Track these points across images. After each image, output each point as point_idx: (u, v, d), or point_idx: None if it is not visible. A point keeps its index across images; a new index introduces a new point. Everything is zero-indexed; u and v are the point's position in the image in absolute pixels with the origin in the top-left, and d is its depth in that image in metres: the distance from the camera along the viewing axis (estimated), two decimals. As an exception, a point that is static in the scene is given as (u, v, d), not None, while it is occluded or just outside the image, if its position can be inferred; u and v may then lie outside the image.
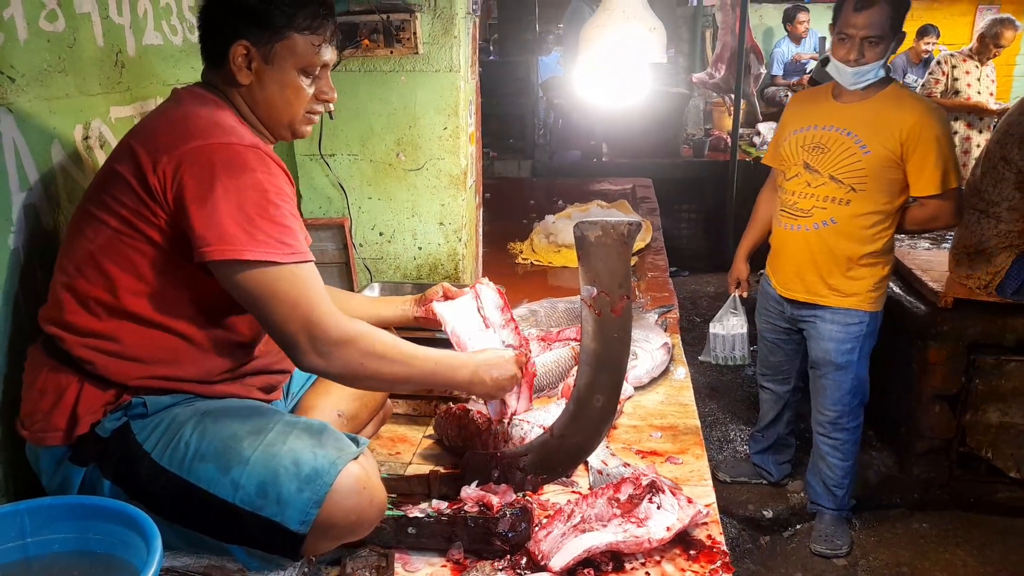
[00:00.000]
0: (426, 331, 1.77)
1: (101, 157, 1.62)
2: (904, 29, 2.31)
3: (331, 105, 1.46)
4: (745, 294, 2.82)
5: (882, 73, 2.28)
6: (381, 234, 2.46)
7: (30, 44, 1.43)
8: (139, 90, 1.76)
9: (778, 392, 2.86)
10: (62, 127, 1.52)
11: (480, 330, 1.65)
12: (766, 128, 5.88)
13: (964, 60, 4.96)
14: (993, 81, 5.06)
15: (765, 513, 2.94)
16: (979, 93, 4.94)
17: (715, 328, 2.85)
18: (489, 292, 1.70)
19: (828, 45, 6.14)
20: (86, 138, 1.59)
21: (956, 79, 4.94)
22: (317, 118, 1.46)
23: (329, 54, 1.40)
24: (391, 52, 2.25)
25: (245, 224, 1.20)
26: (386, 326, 1.61)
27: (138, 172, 1.24)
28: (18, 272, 1.40)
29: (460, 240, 2.45)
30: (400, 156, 2.37)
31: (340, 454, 1.23)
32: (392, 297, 1.82)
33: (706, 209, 5.68)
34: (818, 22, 7.19)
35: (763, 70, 6.48)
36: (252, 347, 1.45)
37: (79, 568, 1.08)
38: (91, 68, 1.60)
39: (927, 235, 3.64)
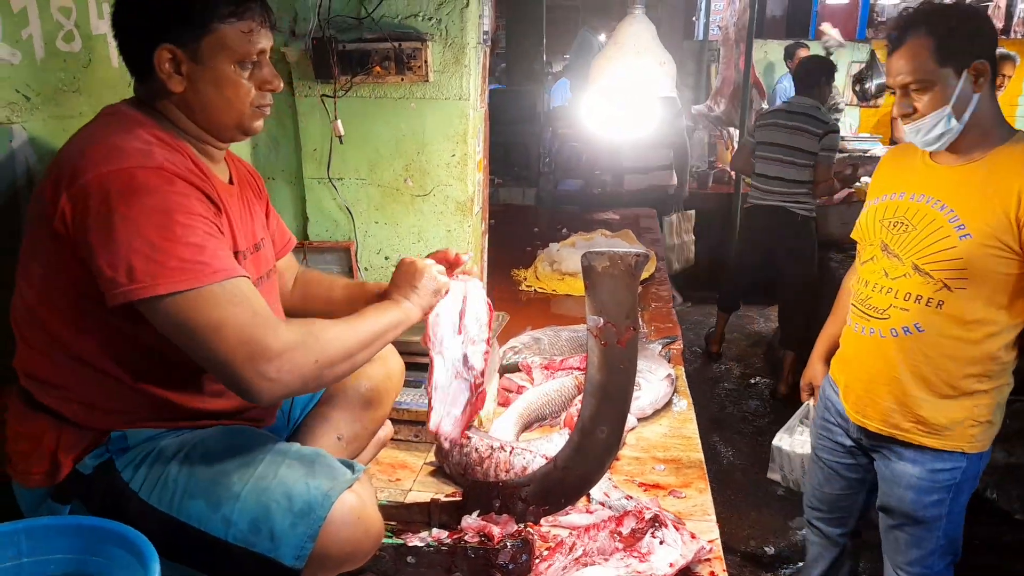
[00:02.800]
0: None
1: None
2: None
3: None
4: None
5: (956, 124, 1.61)
6: (387, 258, 2.46)
7: (46, 64, 1.45)
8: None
9: (831, 536, 2.08)
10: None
11: (452, 333, 1.53)
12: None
13: None
14: None
15: (767, 549, 2.91)
16: None
17: (781, 442, 2.24)
18: (477, 300, 1.56)
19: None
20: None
21: None
22: (268, 109, 1.33)
23: (264, 39, 1.27)
24: (402, 79, 2.27)
25: (152, 253, 1.09)
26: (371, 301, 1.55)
27: (43, 214, 1.15)
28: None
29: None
30: (408, 182, 2.38)
31: (334, 484, 1.20)
32: (369, 283, 1.68)
33: (710, 240, 5.69)
34: (821, 59, 7.27)
35: (764, 105, 6.54)
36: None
37: (75, 590, 1.06)
38: (104, 88, 1.62)
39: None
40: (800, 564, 2.75)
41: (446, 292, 1.46)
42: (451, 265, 1.54)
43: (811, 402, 2.15)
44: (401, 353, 1.83)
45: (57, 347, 1.22)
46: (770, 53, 7.63)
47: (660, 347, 2.48)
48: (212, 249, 1.14)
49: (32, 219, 1.21)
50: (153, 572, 0.97)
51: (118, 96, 1.64)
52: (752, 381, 4.38)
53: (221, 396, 1.31)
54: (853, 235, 1.93)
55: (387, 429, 1.80)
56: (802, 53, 7.15)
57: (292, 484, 1.19)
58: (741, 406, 4.02)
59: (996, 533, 2.89)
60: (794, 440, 2.20)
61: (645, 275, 3.29)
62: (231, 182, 1.39)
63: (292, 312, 1.63)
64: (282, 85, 1.33)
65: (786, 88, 7.29)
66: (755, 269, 4.30)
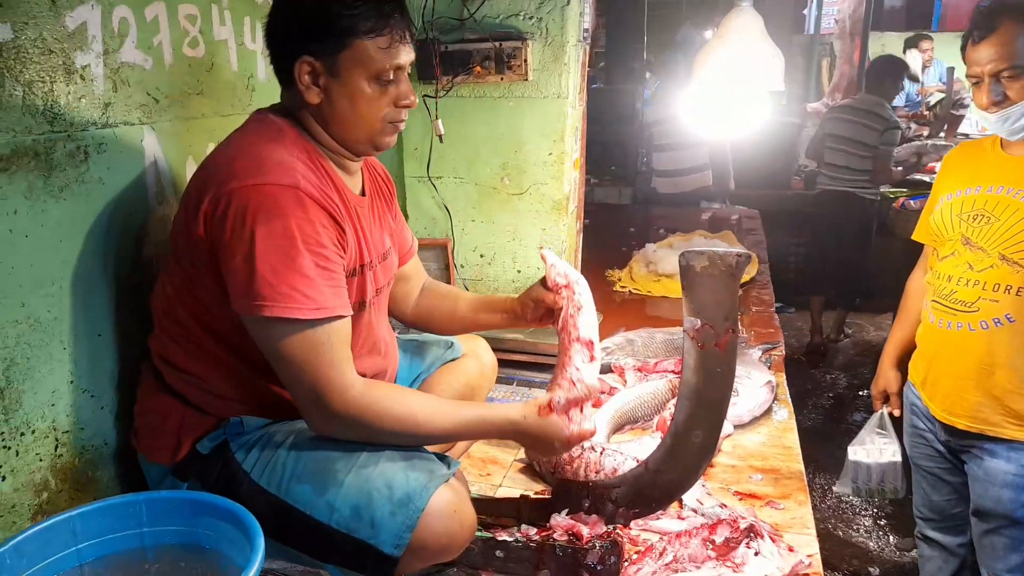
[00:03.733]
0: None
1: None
2: None
3: (417, 118, 1.37)
4: (897, 412, 2.13)
5: None
6: (482, 256, 2.50)
7: (173, 68, 1.55)
8: (266, 111, 1.87)
9: (949, 546, 2.05)
10: (196, 145, 1.64)
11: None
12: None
13: None
14: None
15: (872, 570, 2.75)
16: None
17: (856, 454, 2.17)
18: (589, 315, 1.49)
19: (955, 75, 5.80)
20: (217, 155, 1.70)
21: None
22: (402, 126, 1.35)
23: (403, 55, 1.28)
24: (501, 78, 2.29)
25: (269, 276, 1.15)
26: (490, 327, 1.62)
27: (189, 214, 1.23)
28: (149, 284, 1.48)
29: (560, 265, 2.45)
30: (505, 180, 2.41)
31: (432, 477, 1.23)
32: (495, 298, 1.67)
33: (818, 244, 5.45)
34: (943, 51, 6.80)
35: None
36: None
37: (188, 560, 1.13)
38: (225, 91, 1.72)
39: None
40: (909, 587, 2.59)
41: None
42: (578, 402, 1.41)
43: (884, 410, 2.12)
44: (495, 350, 1.85)
45: (189, 338, 1.32)
46: (888, 46, 7.19)
47: (760, 352, 2.39)
48: (320, 285, 1.19)
49: (179, 217, 1.30)
50: (258, 548, 1.03)
51: (236, 98, 1.76)
52: (861, 393, 4.16)
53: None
54: (916, 237, 1.98)
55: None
56: (924, 46, 6.72)
57: (392, 475, 1.23)
58: (847, 418, 3.82)
59: None
60: (868, 450, 2.13)
61: (746, 278, 3.18)
62: (363, 193, 1.44)
63: (415, 323, 1.71)
64: (417, 102, 1.36)
65: (906, 83, 6.88)
66: (825, 254, 4.64)
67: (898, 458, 2.08)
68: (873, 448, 2.12)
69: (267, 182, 1.18)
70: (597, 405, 2.12)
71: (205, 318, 1.30)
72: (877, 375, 2.13)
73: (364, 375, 1.35)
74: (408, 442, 1.29)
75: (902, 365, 2.05)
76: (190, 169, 1.62)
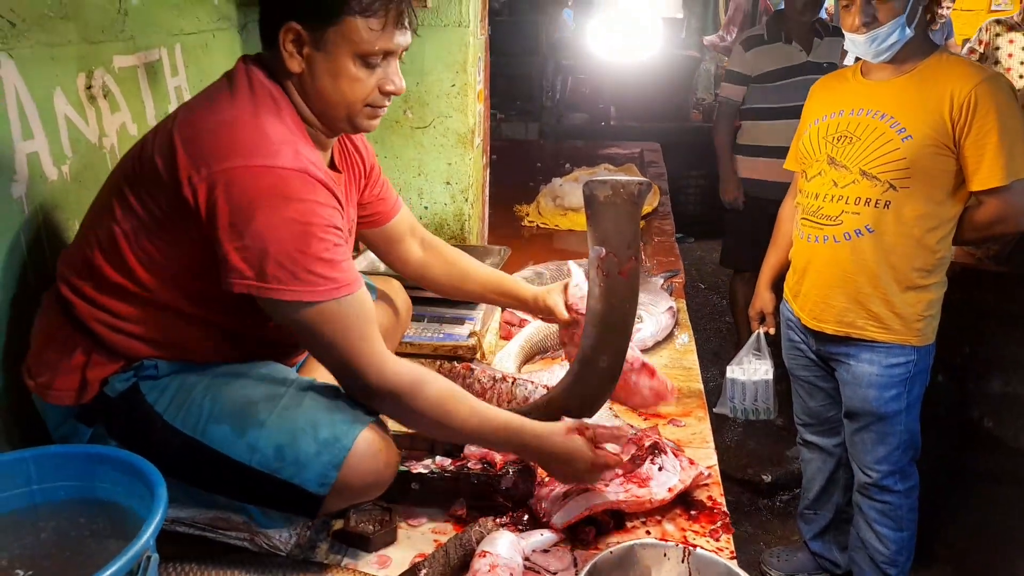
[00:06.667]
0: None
1: (104, 107, 1.60)
2: None
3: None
4: (772, 331, 2.27)
5: (909, 33, 1.80)
6: (387, 193, 2.44)
7: (30, -13, 1.39)
8: (143, 39, 1.73)
9: (826, 447, 2.26)
10: (64, 75, 1.50)
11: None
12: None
13: (1008, 29, 3.92)
14: None
15: (764, 477, 2.97)
16: (1022, 63, 3.92)
17: (734, 373, 2.30)
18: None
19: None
20: (89, 87, 1.56)
21: (997, 48, 3.91)
22: (384, 111, 1.30)
23: (396, 38, 1.22)
24: (399, 5, 2.20)
25: (285, 261, 1.12)
26: (494, 305, 1.62)
27: (173, 175, 1.15)
28: (21, 222, 1.38)
29: (467, 200, 2.43)
30: (407, 113, 2.34)
31: (357, 418, 1.23)
32: (506, 282, 1.69)
33: (714, 175, 5.63)
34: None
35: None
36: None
37: (85, 515, 1.08)
38: (93, 14, 1.57)
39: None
40: (797, 490, 2.81)
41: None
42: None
43: (760, 331, 2.29)
44: (407, 288, 1.83)
45: (134, 284, 1.22)
46: (781, -21, 7.34)
47: (662, 281, 2.47)
48: (339, 264, 1.17)
49: (154, 160, 1.18)
50: (160, 497, 0.99)
51: (109, 23, 1.60)
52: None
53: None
54: (787, 166, 2.16)
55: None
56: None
57: (317, 416, 1.21)
58: (743, 341, 4.04)
59: (992, 461, 2.95)
60: (745, 369, 2.27)
61: (648, 209, 3.26)
62: (334, 167, 1.37)
63: (417, 280, 1.69)
64: (404, 89, 1.29)
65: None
66: None
67: (770, 376, 2.25)
68: (749, 367, 2.27)
69: (276, 165, 1.13)
70: (507, 337, 2.15)
71: (160, 274, 1.22)
72: (754, 297, 2.31)
73: None
74: (435, 431, 1.31)
75: (777, 287, 2.23)
76: (59, 103, 1.48)
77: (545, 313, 1.63)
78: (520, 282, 1.72)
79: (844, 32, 1.88)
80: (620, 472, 1.41)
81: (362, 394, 1.24)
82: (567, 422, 1.34)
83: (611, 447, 1.37)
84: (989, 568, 2.48)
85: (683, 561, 1.21)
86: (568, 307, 1.59)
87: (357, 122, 1.28)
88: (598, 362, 1.46)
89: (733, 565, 1.21)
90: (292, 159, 1.15)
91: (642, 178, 1.38)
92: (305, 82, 1.22)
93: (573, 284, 1.58)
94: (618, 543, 1.25)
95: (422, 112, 2.33)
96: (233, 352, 1.32)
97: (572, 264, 1.64)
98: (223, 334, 1.30)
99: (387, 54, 1.23)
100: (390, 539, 1.37)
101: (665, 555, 1.22)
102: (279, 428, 1.20)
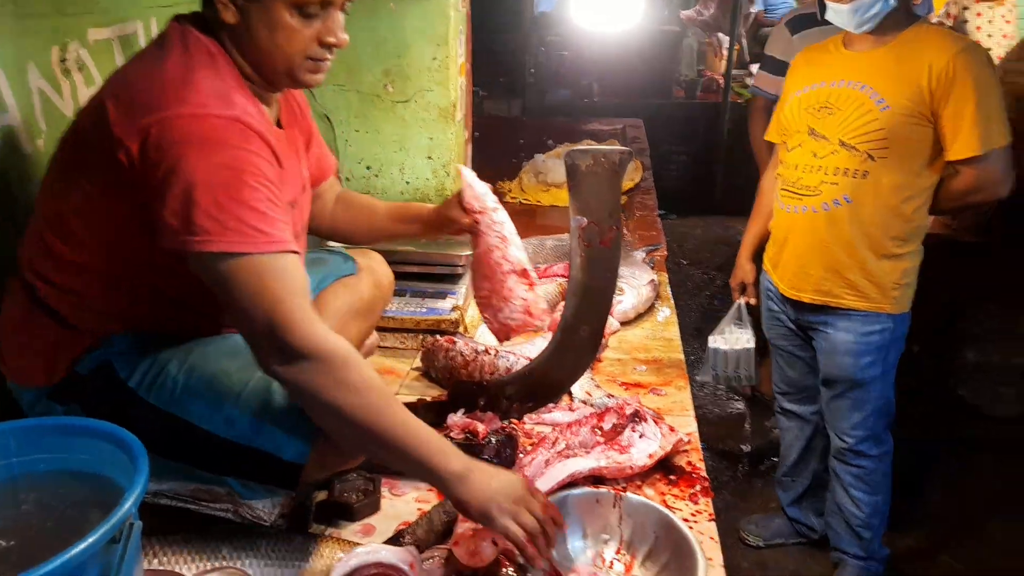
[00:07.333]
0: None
1: (80, 80, 1.58)
2: None
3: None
4: (753, 301, 2.29)
5: (892, 3, 1.80)
6: (368, 168, 2.43)
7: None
8: (118, 12, 1.70)
9: (804, 415, 2.29)
10: (38, 48, 1.47)
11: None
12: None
13: (976, 1, 4.05)
14: (1008, 23, 4.06)
15: (743, 447, 3.02)
16: (989, 36, 4.07)
17: (715, 342, 2.32)
18: (516, 243, 1.48)
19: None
20: (63, 60, 1.53)
21: (965, 21, 4.07)
22: (326, 64, 1.23)
23: None
24: (378, -23, 2.18)
25: (214, 211, 1.05)
26: (407, 237, 1.56)
27: (106, 138, 1.10)
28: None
29: (448, 175, 2.43)
30: (388, 87, 2.32)
31: None
32: (411, 207, 1.61)
33: (696, 152, 5.64)
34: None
35: (754, 9, 6.34)
36: None
37: (66, 486, 1.08)
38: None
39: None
40: (775, 459, 2.86)
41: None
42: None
43: (741, 301, 2.31)
44: (390, 263, 1.83)
45: (77, 252, 1.20)
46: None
47: (643, 254, 2.50)
48: (273, 218, 1.10)
49: (88, 128, 1.16)
50: (142, 467, 0.99)
51: (79, -9, 1.57)
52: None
53: None
54: (769, 137, 2.19)
55: (374, 337, 1.82)
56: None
57: None
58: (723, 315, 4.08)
59: (966, 428, 3.01)
60: (727, 339, 2.30)
61: (630, 183, 3.27)
62: (279, 124, 1.33)
63: (332, 236, 1.64)
64: (347, 41, 1.23)
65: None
66: None
67: (751, 345, 2.27)
68: (731, 336, 2.29)
69: (208, 112, 1.08)
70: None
71: (105, 243, 1.19)
72: (735, 268, 2.33)
73: None
74: (366, 422, 1.11)
75: (758, 258, 2.24)
76: (33, 77, 1.45)
77: (447, 224, 1.52)
78: (421, 204, 1.64)
79: (827, 2, 1.87)
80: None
81: (280, 356, 1.09)
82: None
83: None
84: (961, 532, 2.54)
85: (614, 506, 1.26)
86: (465, 209, 1.48)
87: (298, 76, 1.21)
88: (579, 330, 1.47)
89: (662, 507, 1.26)
90: (224, 107, 1.11)
91: (623, 147, 1.38)
92: (241, 34, 1.17)
93: (466, 185, 1.48)
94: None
95: (403, 86, 2.31)
96: (200, 325, 1.30)
97: (463, 168, 1.54)
98: (183, 306, 1.27)
99: (326, 4, 1.17)
100: (373, 509, 1.39)
101: (597, 501, 1.27)
102: (255, 400, 1.20)
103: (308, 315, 1.10)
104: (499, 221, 1.46)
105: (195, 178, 1.05)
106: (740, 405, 3.29)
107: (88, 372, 1.24)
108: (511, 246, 1.45)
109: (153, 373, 1.23)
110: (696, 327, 3.95)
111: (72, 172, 1.18)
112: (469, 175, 1.49)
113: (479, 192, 1.46)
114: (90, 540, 0.85)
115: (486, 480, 1.13)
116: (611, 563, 1.25)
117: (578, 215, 1.43)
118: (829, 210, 1.91)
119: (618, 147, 1.38)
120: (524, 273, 1.43)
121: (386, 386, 1.17)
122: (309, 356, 1.08)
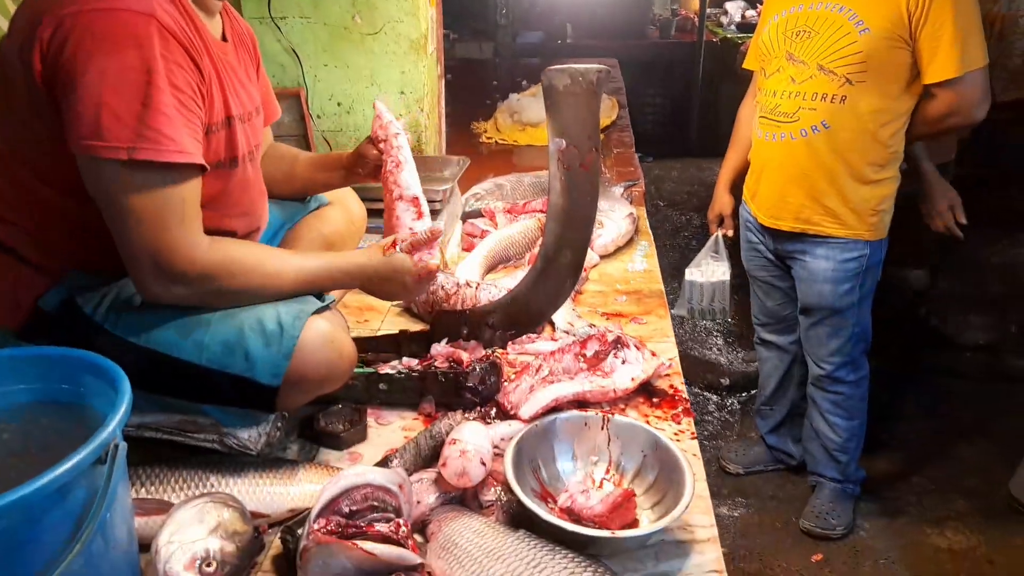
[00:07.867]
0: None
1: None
2: None
3: None
4: (730, 233, 2.27)
5: None
6: (339, 104, 2.37)
7: None
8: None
9: (782, 344, 2.32)
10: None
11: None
12: (734, 7, 5.72)
13: None
14: None
15: (723, 381, 3.07)
16: None
17: (692, 274, 2.28)
18: (410, 170, 1.45)
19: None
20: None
21: None
22: None
23: None
24: (343, -98, 2.09)
25: (120, 111, 1.01)
26: (329, 186, 1.56)
27: (22, 49, 1.05)
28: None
29: (422, 110, 2.38)
30: (356, 19, 2.25)
31: (304, 307, 1.22)
32: (330, 155, 1.60)
33: (672, 93, 5.60)
34: None
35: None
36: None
37: (47, 416, 1.06)
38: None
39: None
40: (753, 392, 2.92)
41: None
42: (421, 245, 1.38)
43: (719, 233, 2.29)
44: (363, 199, 1.79)
45: (22, 190, 1.16)
46: None
47: (622, 189, 2.48)
48: (180, 126, 1.05)
49: (10, 51, 1.09)
50: (124, 393, 0.98)
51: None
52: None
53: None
54: (746, 65, 2.16)
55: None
56: None
57: (262, 312, 1.20)
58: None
59: (939, 357, 3.09)
60: (703, 271, 2.28)
61: (607, 120, 3.24)
62: (224, 39, 1.27)
63: None
64: None
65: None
66: None
67: (727, 277, 2.26)
68: (707, 268, 2.28)
69: (118, 7, 1.02)
70: (469, 249, 2.14)
71: (38, 169, 1.14)
72: (713, 200, 2.32)
73: (235, 234, 1.27)
74: (257, 298, 1.21)
75: (736, 190, 2.24)
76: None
77: (358, 159, 1.51)
78: (341, 151, 1.62)
79: None
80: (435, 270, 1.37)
81: (160, 281, 1.11)
82: (380, 241, 1.34)
83: (428, 257, 1.35)
84: (933, 454, 2.62)
85: (603, 428, 1.28)
86: (372, 140, 1.48)
87: None
88: (560, 257, 1.47)
89: (649, 427, 1.27)
90: (141, 3, 1.04)
91: (600, 65, 1.36)
92: None
93: (376, 116, 1.48)
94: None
95: (371, 16, 2.24)
96: None
97: (376, 100, 1.53)
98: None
99: None
100: (360, 437, 1.39)
101: (585, 424, 1.29)
102: (225, 325, 1.18)
103: (194, 239, 1.11)
104: (397, 146, 1.44)
105: (105, 76, 1.01)
106: (719, 341, 3.33)
107: (52, 309, 1.21)
108: (404, 171, 1.43)
109: (119, 307, 1.20)
110: (675, 267, 3.98)
111: (2, 106, 1.13)
112: (380, 106, 1.47)
113: (385, 121, 1.45)
114: (75, 460, 0.84)
115: (377, 283, 1.33)
116: (601, 483, 1.27)
117: (557, 137, 1.41)
118: (807, 136, 1.90)
119: (595, 65, 1.35)
120: (415, 201, 1.41)
121: (268, 255, 1.23)
122: (189, 278, 1.12)
